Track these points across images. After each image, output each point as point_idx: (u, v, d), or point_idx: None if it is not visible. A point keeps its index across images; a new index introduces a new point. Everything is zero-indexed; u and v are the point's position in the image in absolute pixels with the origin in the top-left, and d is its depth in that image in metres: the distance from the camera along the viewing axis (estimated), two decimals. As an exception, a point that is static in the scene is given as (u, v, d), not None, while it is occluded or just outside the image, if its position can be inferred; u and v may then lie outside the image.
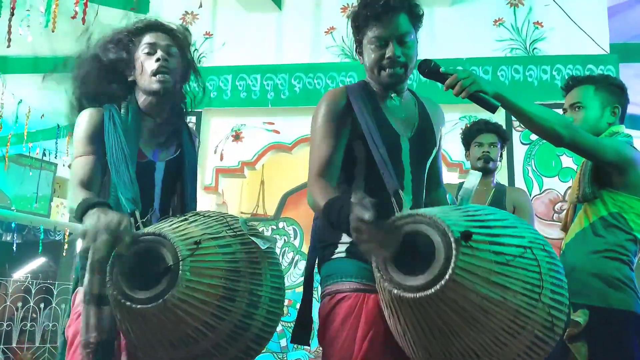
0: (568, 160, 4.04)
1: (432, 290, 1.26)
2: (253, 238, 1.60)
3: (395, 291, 1.32)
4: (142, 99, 1.83)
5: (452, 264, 1.25)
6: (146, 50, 1.80)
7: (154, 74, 1.77)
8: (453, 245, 1.26)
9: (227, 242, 1.57)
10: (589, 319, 1.95)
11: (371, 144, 1.63)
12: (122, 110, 1.78)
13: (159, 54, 1.78)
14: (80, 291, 1.64)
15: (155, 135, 1.83)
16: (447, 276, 1.25)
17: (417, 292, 1.28)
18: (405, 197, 1.66)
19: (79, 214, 1.51)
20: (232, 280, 1.51)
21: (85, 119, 1.77)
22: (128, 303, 1.42)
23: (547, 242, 1.48)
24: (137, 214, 1.63)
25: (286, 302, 3.13)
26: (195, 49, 1.97)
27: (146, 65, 1.79)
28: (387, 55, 1.66)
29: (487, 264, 1.28)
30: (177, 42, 1.86)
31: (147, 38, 1.81)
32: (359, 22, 1.70)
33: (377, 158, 1.62)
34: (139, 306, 1.41)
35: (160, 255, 1.45)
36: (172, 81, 1.80)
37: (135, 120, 1.78)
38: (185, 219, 1.62)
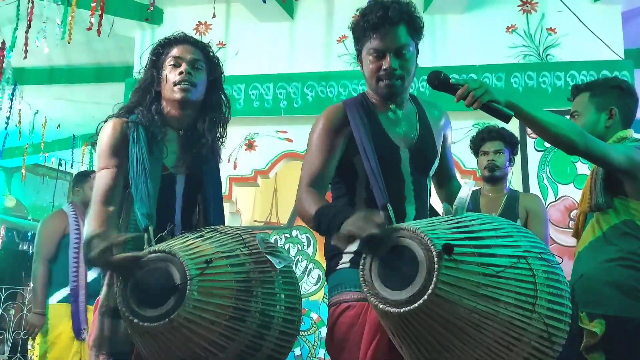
0: (583, 167, 4.00)
1: (416, 305, 1.25)
2: (268, 257, 1.57)
3: (381, 306, 1.31)
4: (166, 110, 1.83)
5: (434, 279, 1.23)
6: (172, 63, 1.81)
7: (176, 83, 1.78)
8: (435, 259, 1.24)
9: (240, 261, 1.54)
10: (606, 329, 1.92)
11: (364, 158, 1.64)
12: (147, 122, 1.77)
13: (184, 67, 1.79)
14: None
15: (177, 147, 1.83)
16: (429, 291, 1.23)
17: (401, 307, 1.27)
18: (407, 206, 1.69)
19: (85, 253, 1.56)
20: (243, 300, 1.49)
21: (109, 131, 1.77)
22: (136, 320, 1.42)
23: (547, 250, 1.45)
24: (151, 229, 1.62)
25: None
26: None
27: (170, 77, 1.80)
28: (383, 67, 1.66)
29: (474, 276, 1.26)
30: (205, 56, 1.86)
31: (174, 51, 1.82)
32: (358, 33, 1.71)
33: (368, 172, 1.63)
34: (146, 324, 1.41)
35: (169, 273, 1.44)
36: (194, 92, 1.80)
37: (159, 132, 1.77)
38: (201, 236, 1.59)
